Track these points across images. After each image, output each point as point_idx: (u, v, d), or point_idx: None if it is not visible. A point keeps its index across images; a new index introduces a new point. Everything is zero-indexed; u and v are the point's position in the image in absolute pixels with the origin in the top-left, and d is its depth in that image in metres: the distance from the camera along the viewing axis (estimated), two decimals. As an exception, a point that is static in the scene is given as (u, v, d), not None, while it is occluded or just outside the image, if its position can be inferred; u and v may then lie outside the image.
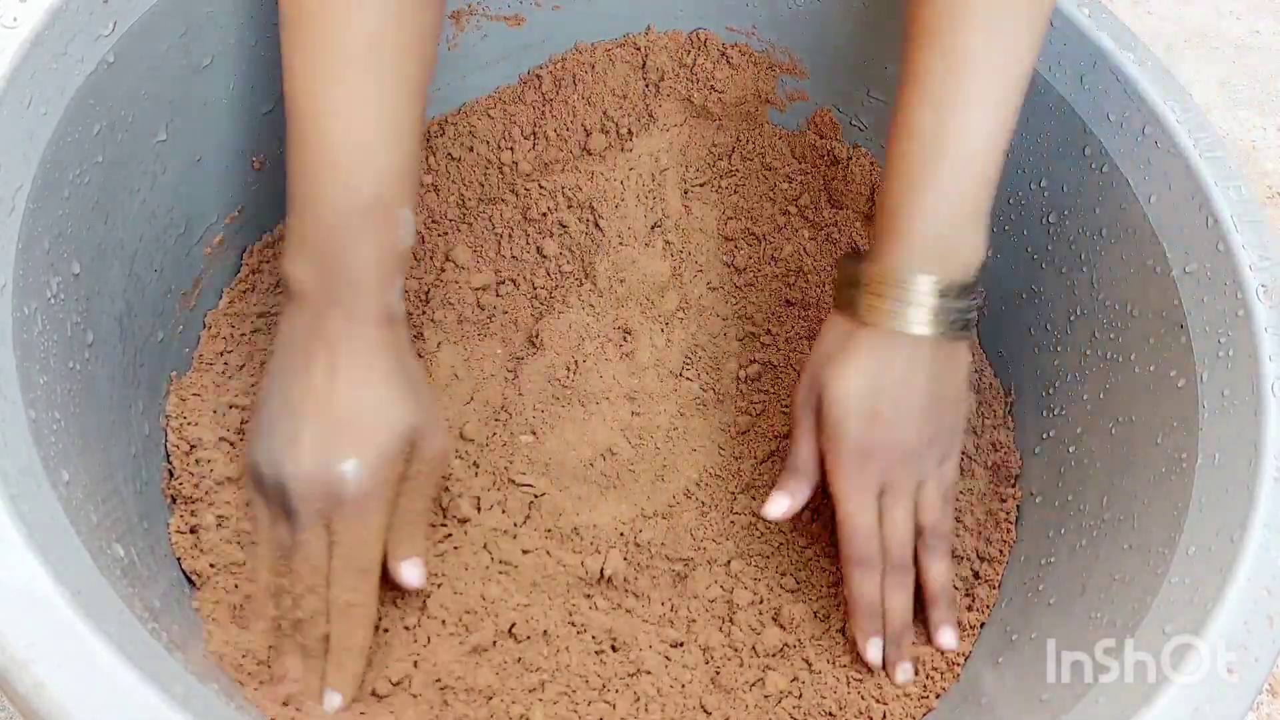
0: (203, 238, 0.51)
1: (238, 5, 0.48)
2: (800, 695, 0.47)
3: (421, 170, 0.50)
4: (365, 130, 0.41)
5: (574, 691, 0.45)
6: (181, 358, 0.51)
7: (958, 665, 0.48)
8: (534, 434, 0.52)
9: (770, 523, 0.51)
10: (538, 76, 0.61)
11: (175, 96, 0.46)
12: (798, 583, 0.51)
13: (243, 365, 0.51)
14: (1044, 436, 0.52)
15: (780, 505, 0.47)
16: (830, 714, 0.47)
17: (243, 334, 0.52)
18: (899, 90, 0.45)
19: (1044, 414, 0.53)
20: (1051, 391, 0.53)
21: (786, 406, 0.55)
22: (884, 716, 0.47)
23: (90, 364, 0.41)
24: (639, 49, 0.61)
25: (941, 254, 0.44)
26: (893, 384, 0.44)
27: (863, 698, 0.47)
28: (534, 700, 0.44)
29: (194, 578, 0.44)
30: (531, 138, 0.60)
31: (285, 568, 0.43)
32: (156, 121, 0.45)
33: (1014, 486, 0.53)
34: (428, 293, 0.56)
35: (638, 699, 0.45)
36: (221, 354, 0.51)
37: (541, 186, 0.58)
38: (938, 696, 0.48)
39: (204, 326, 0.51)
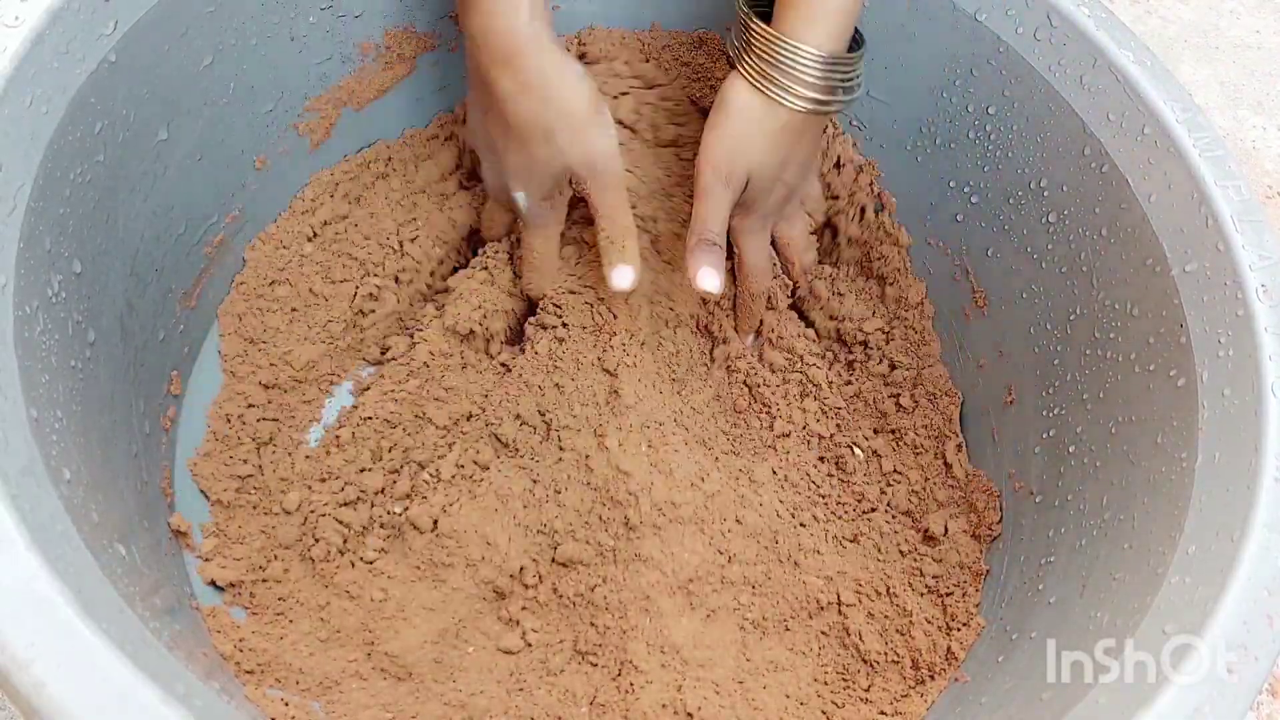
0: (203, 237, 0.51)
1: (238, 5, 0.48)
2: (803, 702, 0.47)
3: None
4: None
5: None
6: (182, 357, 0.51)
7: (957, 662, 0.49)
8: None
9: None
10: None
11: (176, 96, 0.46)
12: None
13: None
14: (1044, 436, 0.53)
15: (714, 280, 0.51)
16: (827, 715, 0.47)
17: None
18: None
19: (1044, 414, 0.53)
20: (1051, 391, 0.53)
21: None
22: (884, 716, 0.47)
23: (91, 363, 0.41)
24: (638, 49, 0.61)
25: (828, 29, 0.47)
26: (760, 145, 0.50)
27: (862, 699, 0.47)
28: None
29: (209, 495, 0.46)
30: None
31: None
32: (157, 121, 0.45)
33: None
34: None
35: None
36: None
37: None
38: (938, 696, 0.48)
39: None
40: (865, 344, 0.60)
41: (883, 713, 0.48)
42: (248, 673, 0.44)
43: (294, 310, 0.55)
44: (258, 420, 0.52)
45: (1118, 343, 0.48)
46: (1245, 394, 0.41)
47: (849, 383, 0.59)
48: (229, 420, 0.52)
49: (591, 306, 0.53)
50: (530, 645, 0.48)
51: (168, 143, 0.46)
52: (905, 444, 0.57)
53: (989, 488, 0.55)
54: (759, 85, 0.48)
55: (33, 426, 0.34)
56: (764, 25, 0.48)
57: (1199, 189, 0.45)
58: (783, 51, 0.47)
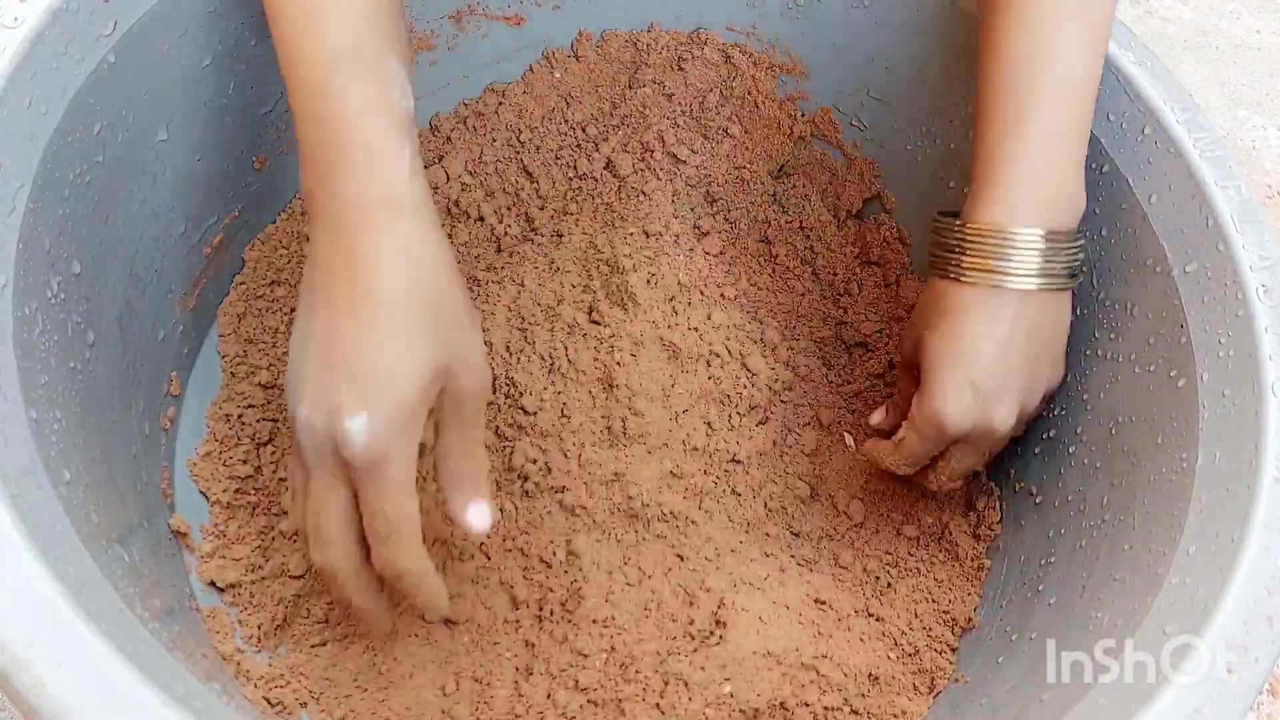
0: (203, 238, 0.51)
1: (238, 5, 0.48)
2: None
3: (409, 30, 0.45)
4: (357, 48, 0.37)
5: None
6: (182, 357, 0.51)
7: (952, 657, 0.49)
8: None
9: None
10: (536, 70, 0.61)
11: (175, 96, 0.46)
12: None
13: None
14: (1044, 436, 0.52)
15: (878, 415, 0.52)
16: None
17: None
18: (989, 19, 0.44)
19: (1044, 414, 0.53)
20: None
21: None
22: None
23: (91, 363, 0.41)
24: (639, 48, 0.61)
25: (1044, 201, 0.43)
26: (991, 354, 0.44)
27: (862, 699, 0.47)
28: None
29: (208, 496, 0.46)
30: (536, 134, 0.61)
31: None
32: (156, 121, 0.45)
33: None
34: None
35: None
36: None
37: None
38: (937, 696, 0.48)
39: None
40: (865, 344, 0.60)
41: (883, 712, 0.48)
42: (247, 674, 0.44)
43: (294, 311, 0.55)
44: (257, 420, 0.52)
45: (1118, 343, 0.48)
46: (1245, 394, 0.41)
47: (849, 382, 0.59)
48: (229, 420, 0.52)
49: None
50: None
51: (167, 143, 0.46)
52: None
53: (989, 488, 0.55)
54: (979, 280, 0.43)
55: (32, 427, 0.34)
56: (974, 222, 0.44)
57: (1199, 189, 0.45)
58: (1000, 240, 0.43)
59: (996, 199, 0.43)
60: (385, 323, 0.37)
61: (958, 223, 0.45)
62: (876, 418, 0.51)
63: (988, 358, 0.44)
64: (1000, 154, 0.43)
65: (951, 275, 0.45)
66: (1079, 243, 0.45)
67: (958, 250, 0.44)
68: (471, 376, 0.39)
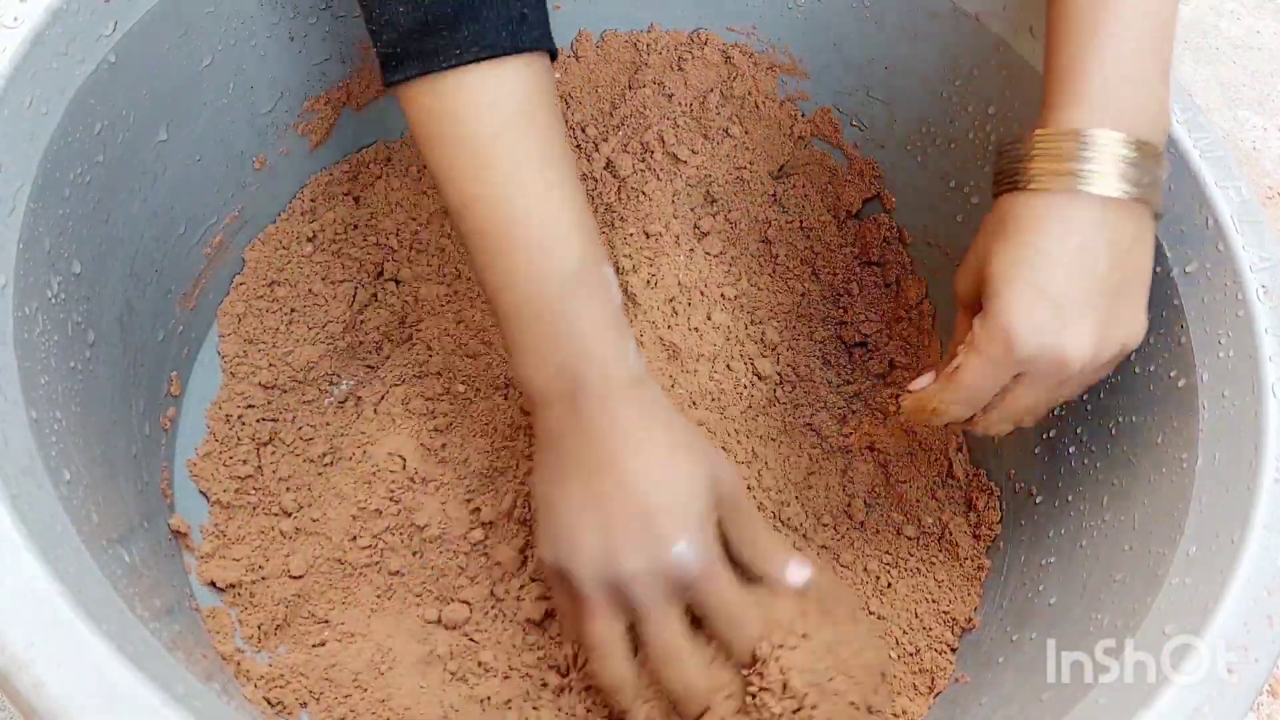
0: (203, 238, 0.51)
1: (238, 5, 0.48)
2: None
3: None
4: (543, 202, 0.40)
5: None
6: (182, 357, 0.51)
7: (952, 657, 0.49)
8: None
9: None
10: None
11: (175, 96, 0.46)
12: None
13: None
14: (1044, 436, 0.52)
15: (924, 380, 0.44)
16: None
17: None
18: None
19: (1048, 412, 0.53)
20: (1051, 391, 0.53)
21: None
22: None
23: (91, 363, 0.41)
24: (639, 48, 0.61)
25: (1127, 108, 0.38)
26: (1067, 263, 0.38)
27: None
28: None
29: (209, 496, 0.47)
30: None
31: (634, 658, 0.42)
32: (156, 121, 0.45)
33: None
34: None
35: None
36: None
37: None
38: (937, 696, 0.48)
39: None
40: (865, 344, 0.60)
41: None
42: (246, 674, 0.44)
43: (293, 311, 0.55)
44: (257, 421, 0.52)
45: (1118, 343, 0.48)
46: (1245, 395, 0.41)
47: (849, 382, 0.59)
48: (229, 421, 0.52)
49: None
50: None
51: (167, 143, 0.46)
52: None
53: (989, 488, 0.55)
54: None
55: (32, 427, 0.34)
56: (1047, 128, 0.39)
57: (1199, 189, 0.45)
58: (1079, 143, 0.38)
59: (1073, 100, 0.39)
60: (665, 460, 0.41)
61: (1030, 133, 0.40)
62: (922, 381, 0.44)
63: (1063, 268, 0.38)
64: (1076, 64, 0.39)
65: (1020, 185, 0.39)
66: (1166, 169, 0.40)
67: (1026, 159, 0.39)
68: (730, 476, 0.43)
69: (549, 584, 0.46)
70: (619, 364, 0.41)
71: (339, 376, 0.56)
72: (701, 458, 0.42)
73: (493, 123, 0.40)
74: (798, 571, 0.43)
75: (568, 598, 0.43)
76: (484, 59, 0.39)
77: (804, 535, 0.53)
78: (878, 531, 0.54)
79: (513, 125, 0.40)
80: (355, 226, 0.58)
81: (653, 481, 0.41)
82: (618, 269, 0.56)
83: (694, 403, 0.55)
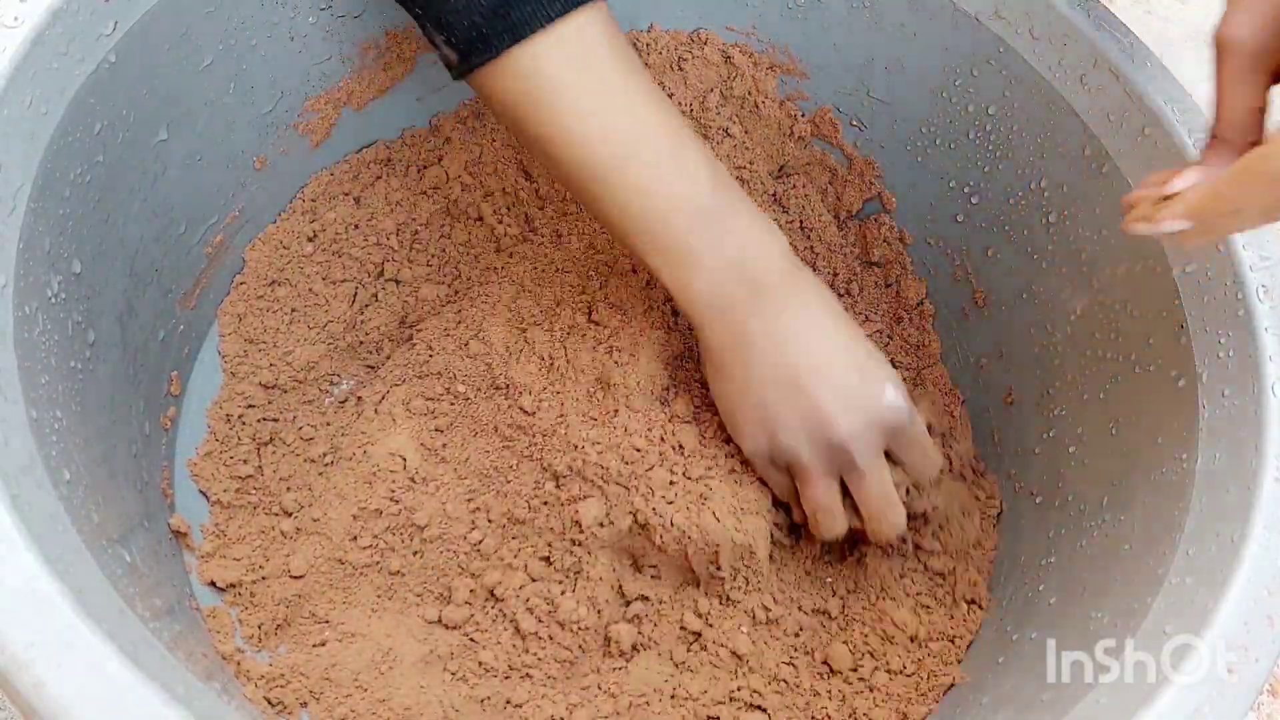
0: (203, 238, 0.51)
1: (238, 5, 0.48)
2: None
3: None
4: (664, 119, 0.43)
5: None
6: (182, 357, 0.51)
7: (957, 663, 0.48)
8: None
9: None
10: None
11: (176, 96, 0.46)
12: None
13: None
14: (1044, 436, 0.52)
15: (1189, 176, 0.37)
16: (829, 715, 0.47)
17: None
18: None
19: (1044, 414, 0.53)
20: (1051, 391, 0.53)
21: None
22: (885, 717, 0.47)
23: (91, 363, 0.41)
24: (639, 48, 0.61)
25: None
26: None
27: (861, 699, 0.47)
28: None
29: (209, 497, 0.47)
30: None
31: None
32: (157, 121, 0.45)
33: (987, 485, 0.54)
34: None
35: None
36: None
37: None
38: (938, 698, 0.48)
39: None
40: (865, 344, 0.60)
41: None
42: (246, 674, 0.44)
43: (294, 311, 0.55)
44: (258, 420, 0.52)
45: (1118, 343, 0.48)
46: (1245, 394, 0.41)
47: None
48: (229, 420, 0.52)
49: None
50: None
51: (168, 143, 0.46)
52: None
53: (989, 487, 0.55)
54: None
55: (32, 427, 0.34)
56: None
57: (1199, 189, 0.45)
58: None
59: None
60: (847, 329, 0.45)
61: None
62: (1182, 181, 0.36)
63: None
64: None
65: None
66: None
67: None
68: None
69: (761, 473, 0.48)
70: (780, 248, 0.45)
71: (339, 376, 0.56)
72: (860, 330, 0.46)
73: (595, 65, 0.42)
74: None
75: (783, 476, 0.47)
76: (568, 11, 0.41)
77: (804, 532, 0.53)
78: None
79: (610, 61, 0.42)
80: (355, 226, 0.58)
81: (843, 348, 0.44)
82: (616, 269, 0.56)
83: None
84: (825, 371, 0.44)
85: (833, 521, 0.47)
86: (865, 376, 0.44)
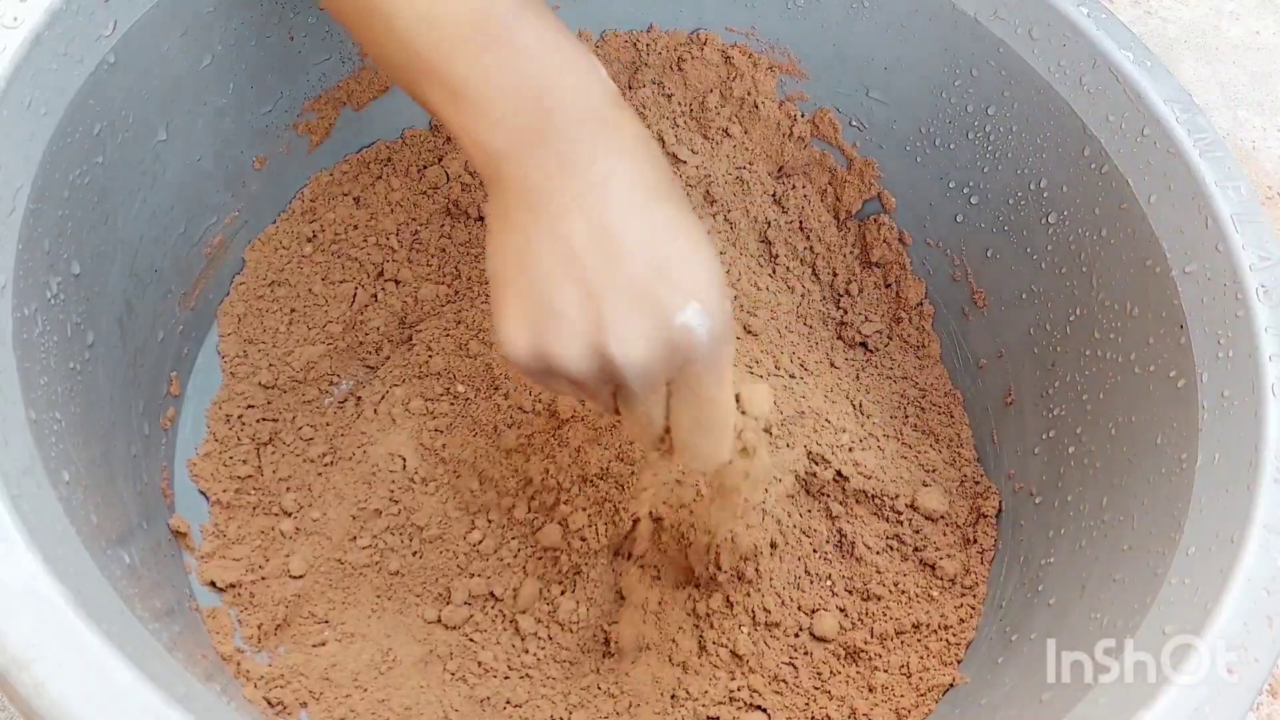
0: (203, 238, 0.51)
1: (238, 5, 0.48)
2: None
3: None
4: None
5: None
6: (182, 358, 0.51)
7: (957, 663, 0.48)
8: None
9: None
10: None
11: (175, 96, 0.46)
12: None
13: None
14: (1044, 436, 0.52)
15: None
16: (829, 715, 0.47)
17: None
18: None
19: (1044, 414, 0.53)
20: (1051, 391, 0.53)
21: None
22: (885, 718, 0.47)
23: (90, 364, 0.41)
24: (639, 48, 0.61)
25: None
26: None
27: (862, 697, 0.47)
28: None
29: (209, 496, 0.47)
30: None
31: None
32: (156, 121, 0.45)
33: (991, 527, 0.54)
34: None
35: None
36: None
37: None
38: (937, 698, 0.48)
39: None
40: (865, 344, 0.60)
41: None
42: (247, 674, 0.44)
43: (293, 311, 0.55)
44: (257, 421, 0.52)
45: (1118, 343, 0.48)
46: (1245, 395, 0.41)
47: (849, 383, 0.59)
48: (228, 421, 0.52)
49: None
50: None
51: (167, 143, 0.46)
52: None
53: (989, 488, 0.55)
54: None
55: (32, 428, 0.34)
56: None
57: (1199, 189, 0.45)
58: None
59: None
60: (665, 202, 0.33)
61: None
62: None
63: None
64: None
65: None
66: None
67: None
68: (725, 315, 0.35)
69: (519, 372, 0.38)
70: (601, 87, 0.34)
71: (339, 376, 0.56)
72: (694, 216, 0.34)
73: None
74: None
75: (547, 381, 0.35)
76: None
77: (804, 531, 0.53)
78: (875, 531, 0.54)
79: None
80: (355, 226, 0.58)
81: (654, 230, 0.32)
82: None
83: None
84: (616, 257, 0.32)
85: (646, 431, 0.36)
86: (665, 277, 0.32)
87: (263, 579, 0.48)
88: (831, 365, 0.59)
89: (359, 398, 0.55)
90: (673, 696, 0.48)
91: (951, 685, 0.48)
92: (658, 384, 0.34)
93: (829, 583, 0.52)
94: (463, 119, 0.33)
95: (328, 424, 0.54)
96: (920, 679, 0.48)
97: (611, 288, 0.32)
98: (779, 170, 0.63)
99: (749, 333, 0.58)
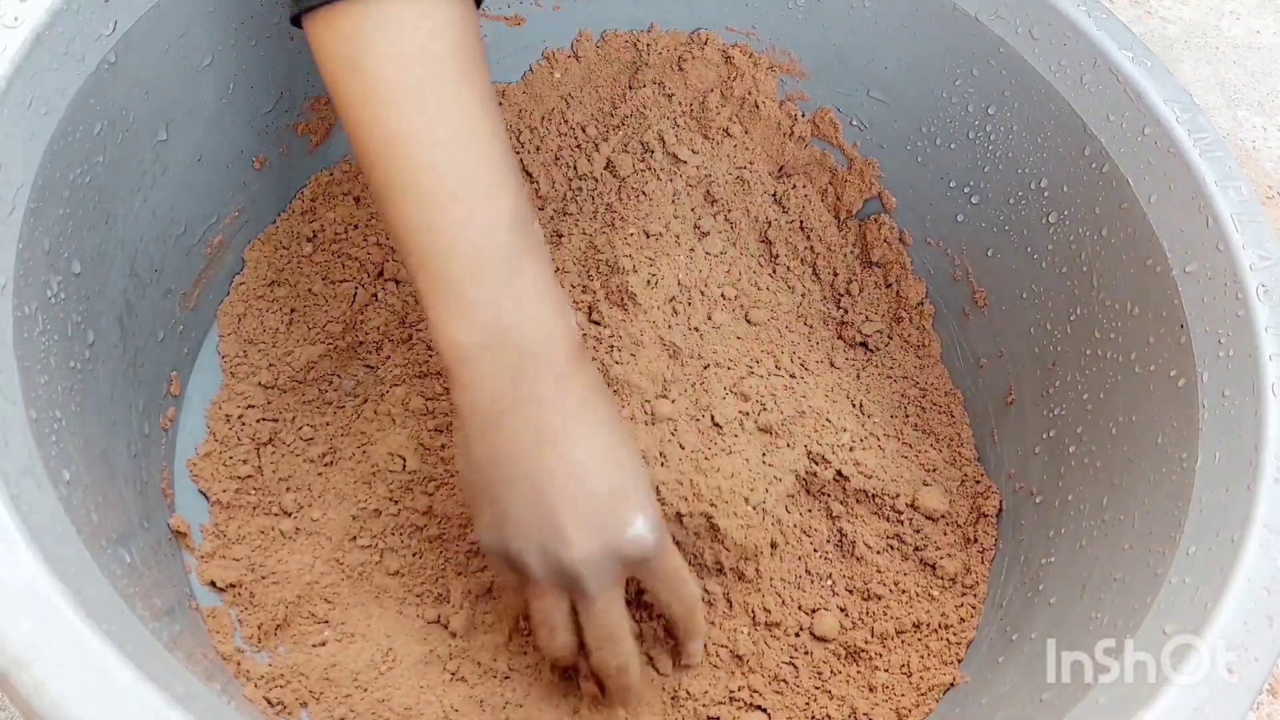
0: (203, 238, 0.51)
1: (238, 5, 0.48)
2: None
3: None
4: (481, 145, 0.38)
5: None
6: (182, 358, 0.51)
7: (957, 662, 0.49)
8: None
9: None
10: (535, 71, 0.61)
11: (175, 96, 0.46)
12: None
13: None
14: (1044, 436, 0.52)
15: None
16: (829, 715, 0.47)
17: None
18: None
19: (1044, 413, 0.53)
20: (1052, 391, 0.53)
21: None
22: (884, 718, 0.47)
23: (91, 363, 0.41)
24: (639, 48, 0.62)
25: None
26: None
27: (862, 698, 0.47)
28: None
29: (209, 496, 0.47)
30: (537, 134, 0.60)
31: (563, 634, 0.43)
32: (156, 121, 0.45)
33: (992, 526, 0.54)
34: None
35: None
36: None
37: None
38: (938, 698, 0.48)
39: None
40: (866, 344, 0.60)
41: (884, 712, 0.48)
42: (247, 674, 0.44)
43: (293, 311, 0.55)
44: (257, 421, 0.52)
45: (1118, 343, 0.48)
46: (1245, 394, 0.41)
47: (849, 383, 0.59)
48: (228, 421, 0.52)
49: None
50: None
51: (167, 143, 0.46)
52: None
53: (989, 487, 0.55)
54: None
55: (32, 427, 0.34)
56: None
57: (1199, 189, 0.45)
58: None
59: None
60: (611, 439, 0.40)
61: None
62: None
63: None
64: None
65: None
66: None
67: None
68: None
69: (489, 563, 0.45)
70: (565, 333, 0.39)
71: (339, 376, 0.56)
72: (634, 446, 0.42)
73: (421, 58, 0.37)
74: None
75: (511, 576, 0.42)
76: None
77: (804, 530, 0.53)
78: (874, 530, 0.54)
79: (443, 62, 0.37)
80: (355, 226, 0.58)
81: (601, 461, 0.39)
82: (618, 269, 0.56)
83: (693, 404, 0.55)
84: (573, 487, 0.39)
85: (552, 639, 0.42)
86: (616, 501, 0.39)
87: (263, 579, 0.48)
88: (832, 365, 0.59)
89: (359, 397, 0.55)
90: (673, 697, 0.48)
91: (952, 685, 0.48)
92: (610, 584, 0.41)
93: (829, 582, 0.52)
94: (444, 318, 0.38)
95: (328, 424, 0.54)
96: (921, 678, 0.48)
97: (571, 513, 0.39)
98: (779, 170, 0.63)
99: (750, 323, 0.58)
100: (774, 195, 0.62)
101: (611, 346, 0.54)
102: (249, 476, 0.51)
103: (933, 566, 0.52)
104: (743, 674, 0.49)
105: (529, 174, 0.61)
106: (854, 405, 0.57)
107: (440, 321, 0.38)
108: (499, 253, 0.38)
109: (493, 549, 0.41)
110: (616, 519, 0.39)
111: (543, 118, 0.62)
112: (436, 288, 0.38)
